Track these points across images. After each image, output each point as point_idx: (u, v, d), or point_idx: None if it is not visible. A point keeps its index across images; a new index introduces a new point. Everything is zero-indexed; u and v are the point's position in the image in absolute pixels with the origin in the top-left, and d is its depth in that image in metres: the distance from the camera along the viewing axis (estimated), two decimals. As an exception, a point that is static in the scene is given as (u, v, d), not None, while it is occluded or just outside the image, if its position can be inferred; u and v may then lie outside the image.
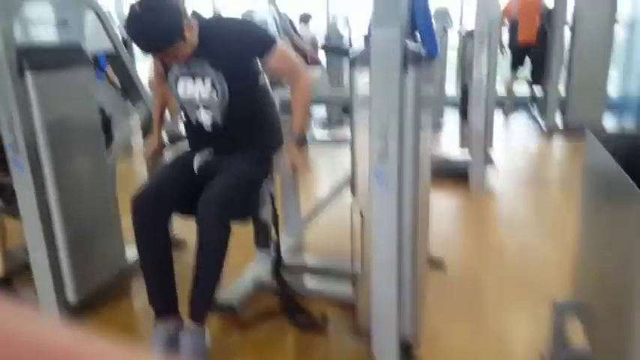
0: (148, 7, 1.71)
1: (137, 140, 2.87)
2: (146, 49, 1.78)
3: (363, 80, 1.68)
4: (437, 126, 5.82)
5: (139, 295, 1.98)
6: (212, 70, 1.88)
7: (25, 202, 2.14)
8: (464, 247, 3.00)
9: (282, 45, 1.97)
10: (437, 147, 5.24)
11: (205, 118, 1.96)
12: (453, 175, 4.00)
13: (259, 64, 2.03)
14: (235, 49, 1.87)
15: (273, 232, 2.28)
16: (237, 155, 1.99)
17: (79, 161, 2.27)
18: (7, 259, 2.43)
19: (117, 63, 2.66)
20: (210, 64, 1.88)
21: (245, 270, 2.57)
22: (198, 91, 1.92)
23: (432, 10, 5.44)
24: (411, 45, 1.64)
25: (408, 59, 1.61)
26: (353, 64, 1.72)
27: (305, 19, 6.59)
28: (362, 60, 1.67)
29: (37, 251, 2.19)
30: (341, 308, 2.28)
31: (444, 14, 5.67)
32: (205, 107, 1.94)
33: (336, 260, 2.53)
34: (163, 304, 1.95)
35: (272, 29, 4.94)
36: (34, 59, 2.03)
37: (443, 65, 5.77)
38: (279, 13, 5.34)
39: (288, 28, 5.50)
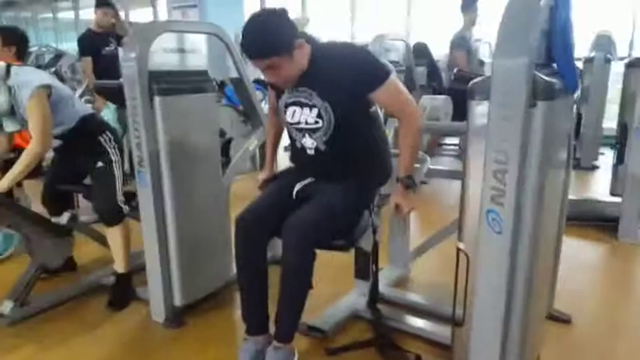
0: (264, 14, 1.80)
1: (255, 161, 2.94)
2: (252, 53, 1.77)
3: (480, 113, 1.55)
4: (590, 167, 5.34)
5: (239, 308, 2.04)
6: (319, 100, 1.86)
7: (145, 213, 2.29)
8: (598, 304, 2.64)
9: (395, 79, 1.88)
10: (585, 189, 4.82)
11: (309, 142, 1.95)
12: (600, 221, 3.62)
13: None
14: (345, 82, 1.82)
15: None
16: (336, 183, 1.95)
17: (196, 179, 2.38)
18: (130, 258, 2.61)
19: (240, 88, 2.76)
20: (318, 95, 1.86)
21: (343, 298, 2.52)
22: (305, 118, 1.91)
23: (592, 36, 4.87)
24: (543, 76, 1.47)
25: (538, 92, 1.45)
26: (471, 94, 1.58)
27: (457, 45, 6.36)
28: (481, 90, 1.54)
29: (151, 257, 2.33)
30: (437, 352, 2.12)
31: (605, 40, 5.18)
32: (310, 133, 1.93)
33: (440, 300, 2.38)
34: (255, 321, 1.99)
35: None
36: (162, 84, 2.17)
37: (602, 100, 5.21)
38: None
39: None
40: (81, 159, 2.55)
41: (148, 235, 2.30)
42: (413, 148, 1.92)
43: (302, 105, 1.91)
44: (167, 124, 2.20)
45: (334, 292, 2.60)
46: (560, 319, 2.38)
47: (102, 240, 2.78)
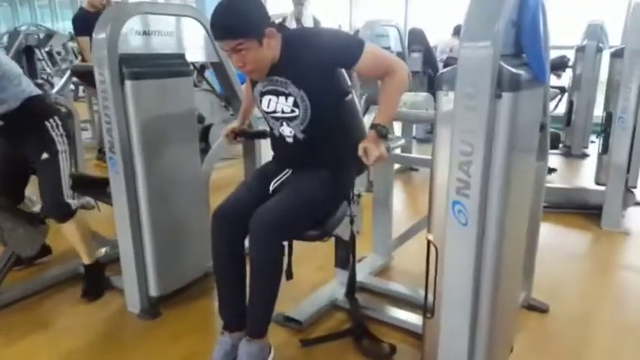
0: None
1: (237, 148, 2.91)
2: (219, 33, 1.73)
3: (447, 103, 1.52)
4: (580, 155, 5.37)
5: (216, 299, 2.03)
6: (295, 88, 1.83)
7: (117, 200, 2.26)
8: (578, 291, 2.64)
9: (371, 45, 1.83)
10: (574, 177, 4.86)
11: (287, 131, 1.93)
12: (585, 209, 3.63)
13: (348, 80, 1.93)
14: (319, 67, 1.79)
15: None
16: (312, 173, 1.92)
17: (172, 166, 2.35)
18: (104, 247, 2.57)
19: (220, 72, 2.72)
20: (293, 83, 1.83)
21: (323, 287, 2.51)
22: (281, 107, 1.88)
23: (591, 24, 4.88)
24: (510, 67, 1.44)
25: (504, 83, 1.42)
26: (439, 84, 1.56)
27: (459, 31, 6.30)
28: (448, 80, 1.51)
29: (125, 245, 2.31)
30: (414, 342, 2.11)
31: (597, 30, 5.15)
32: (287, 121, 1.90)
33: (419, 290, 2.35)
34: (231, 316, 1.97)
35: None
36: (134, 68, 2.12)
37: (593, 88, 5.23)
38: None
39: None
40: (26, 148, 2.40)
41: (121, 223, 2.28)
42: (394, 96, 1.82)
43: (277, 94, 1.88)
44: (139, 109, 2.16)
45: (317, 280, 2.61)
46: (538, 309, 2.38)
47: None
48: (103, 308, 2.45)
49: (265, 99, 1.92)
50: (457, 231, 1.54)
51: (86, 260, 2.55)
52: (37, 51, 6.77)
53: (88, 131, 6.03)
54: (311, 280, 2.63)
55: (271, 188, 1.97)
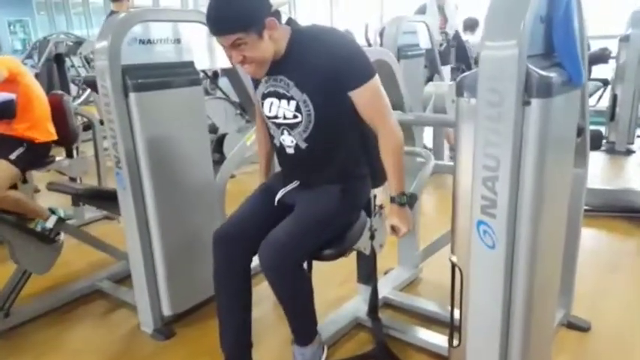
0: None
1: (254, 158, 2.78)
2: (215, 28, 1.57)
3: (470, 112, 1.35)
4: (624, 152, 5.03)
5: None
6: (298, 91, 1.66)
7: (126, 216, 2.17)
8: (622, 306, 2.39)
9: (378, 82, 1.67)
10: (618, 176, 4.53)
11: (288, 140, 1.76)
12: (631, 212, 3.37)
13: None
14: (325, 74, 1.62)
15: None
16: (320, 189, 1.79)
17: (182, 180, 2.24)
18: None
19: (233, 78, 2.60)
20: (296, 85, 1.66)
21: (346, 304, 2.37)
22: (283, 112, 1.72)
23: (636, 12, 4.62)
24: (538, 70, 1.26)
25: (532, 89, 1.24)
26: (459, 89, 1.39)
27: (471, 26, 6.06)
28: (469, 86, 1.34)
29: (135, 263, 2.22)
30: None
31: None
32: (289, 129, 1.74)
33: (447, 306, 2.19)
34: (234, 348, 1.84)
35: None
36: (139, 79, 2.02)
37: (638, 80, 4.90)
38: None
39: None
40: None
41: (131, 239, 2.18)
42: (397, 166, 1.72)
43: (279, 96, 1.71)
44: (145, 122, 2.05)
45: (341, 295, 2.48)
46: (579, 327, 2.18)
47: (93, 242, 2.68)
48: (117, 328, 2.37)
49: (267, 102, 1.76)
50: (483, 254, 1.38)
51: None
52: (67, 59, 6.82)
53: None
54: (334, 295, 2.50)
55: (277, 199, 1.83)
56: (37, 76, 6.22)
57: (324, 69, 1.61)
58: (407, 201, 1.76)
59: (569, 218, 2.08)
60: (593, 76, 5.41)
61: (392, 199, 1.76)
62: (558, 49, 1.37)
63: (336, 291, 2.54)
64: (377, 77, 1.66)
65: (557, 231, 1.56)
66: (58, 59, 6.64)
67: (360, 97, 1.64)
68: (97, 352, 2.19)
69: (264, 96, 1.76)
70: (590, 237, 3.16)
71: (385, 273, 2.66)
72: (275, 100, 1.73)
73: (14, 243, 2.27)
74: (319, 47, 1.64)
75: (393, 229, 1.78)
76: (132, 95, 2.01)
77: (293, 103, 1.69)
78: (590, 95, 5.39)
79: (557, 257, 1.62)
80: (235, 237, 1.76)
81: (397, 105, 2.27)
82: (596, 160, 5.02)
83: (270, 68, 1.68)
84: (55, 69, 6.56)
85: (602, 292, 2.49)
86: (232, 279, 1.78)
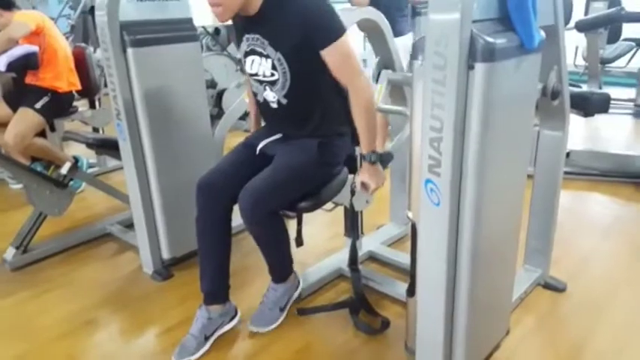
0: None
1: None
2: None
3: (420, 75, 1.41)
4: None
5: None
6: (272, 50, 1.74)
7: (126, 164, 2.33)
8: (603, 271, 2.40)
9: (347, 41, 1.71)
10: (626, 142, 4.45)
11: (270, 96, 1.85)
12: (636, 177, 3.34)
13: None
14: (297, 34, 1.68)
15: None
16: (299, 142, 1.88)
17: (180, 132, 2.37)
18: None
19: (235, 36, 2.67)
20: (270, 44, 1.74)
21: (331, 257, 2.48)
22: (263, 70, 1.81)
23: None
24: (483, 35, 1.30)
25: (476, 53, 1.29)
26: (415, 52, 1.44)
27: None
28: (422, 49, 1.39)
29: (136, 209, 2.39)
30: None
31: None
32: (269, 85, 1.83)
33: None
34: (212, 290, 1.97)
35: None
36: (136, 35, 2.13)
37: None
38: None
39: None
40: None
41: (132, 187, 2.35)
42: (367, 124, 1.77)
43: (259, 54, 1.80)
44: (142, 77, 2.18)
45: (330, 248, 2.59)
46: (554, 288, 2.24)
47: (107, 190, 2.88)
48: (122, 268, 2.58)
49: (249, 59, 1.85)
50: (430, 211, 1.46)
51: None
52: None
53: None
54: (323, 247, 2.62)
55: (258, 149, 1.93)
56: (72, 28, 6.45)
57: (295, 28, 1.68)
58: (377, 159, 1.82)
59: (546, 181, 2.14)
60: (626, 35, 5.21)
61: (362, 157, 1.83)
62: (511, 14, 1.39)
63: (327, 243, 2.67)
64: (346, 36, 1.71)
65: (509, 190, 1.61)
66: (93, 11, 6.77)
67: (329, 55, 1.70)
68: (101, 288, 2.40)
69: (246, 54, 1.85)
70: (591, 202, 3.16)
71: (377, 228, 2.76)
72: (256, 58, 1.82)
73: (30, 187, 2.48)
74: (291, 6, 1.69)
75: (363, 185, 1.87)
76: (130, 50, 2.13)
77: (269, 61, 1.77)
78: (622, 55, 5.21)
79: (510, 215, 1.67)
80: (217, 185, 1.87)
81: (388, 64, 2.31)
82: (623, 123, 4.90)
83: (247, 25, 1.78)
84: (90, 21, 6.72)
85: (587, 256, 2.52)
86: (213, 225, 1.90)
